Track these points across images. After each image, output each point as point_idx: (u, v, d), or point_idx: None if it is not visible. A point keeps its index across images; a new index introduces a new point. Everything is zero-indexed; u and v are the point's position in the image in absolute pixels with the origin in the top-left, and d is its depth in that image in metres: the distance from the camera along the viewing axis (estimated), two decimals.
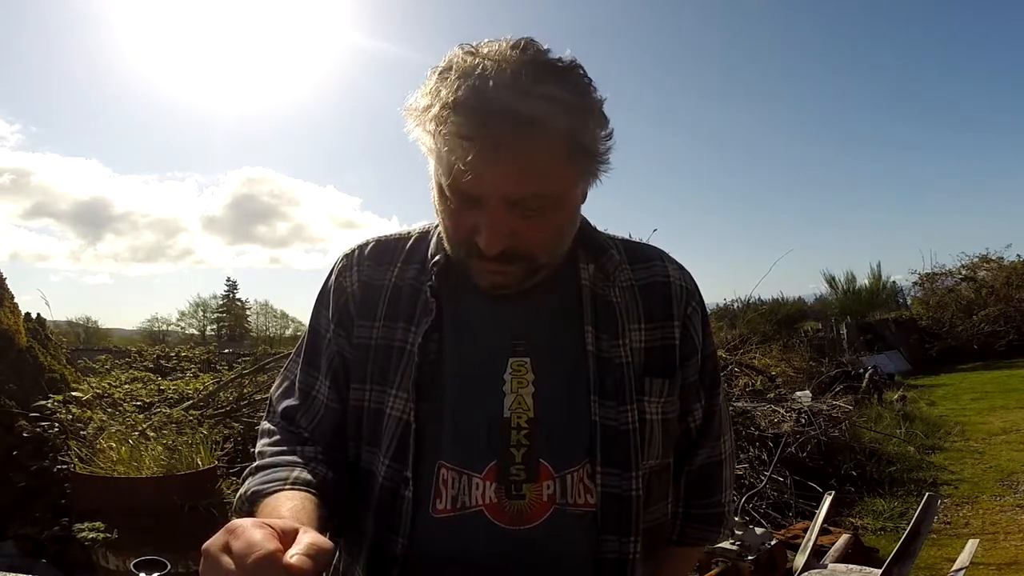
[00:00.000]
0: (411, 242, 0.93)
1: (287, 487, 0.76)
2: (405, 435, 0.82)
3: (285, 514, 0.70)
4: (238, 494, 0.81)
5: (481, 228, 0.77)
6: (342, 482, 0.85)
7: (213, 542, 0.57)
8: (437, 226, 0.92)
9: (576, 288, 0.88)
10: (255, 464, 0.84)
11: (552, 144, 0.74)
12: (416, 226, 0.97)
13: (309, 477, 0.79)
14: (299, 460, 0.83)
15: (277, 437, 0.89)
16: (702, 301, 0.96)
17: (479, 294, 0.86)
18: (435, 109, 0.73)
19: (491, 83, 0.71)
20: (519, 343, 0.85)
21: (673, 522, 0.96)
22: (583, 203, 0.85)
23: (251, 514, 0.75)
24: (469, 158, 0.71)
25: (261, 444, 0.89)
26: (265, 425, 0.94)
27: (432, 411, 0.83)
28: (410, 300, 0.88)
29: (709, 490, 0.98)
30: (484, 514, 0.81)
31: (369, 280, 0.90)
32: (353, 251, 0.94)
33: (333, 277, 0.93)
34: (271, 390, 0.97)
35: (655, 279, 0.92)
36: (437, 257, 0.88)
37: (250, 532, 0.56)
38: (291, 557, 0.55)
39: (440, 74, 0.75)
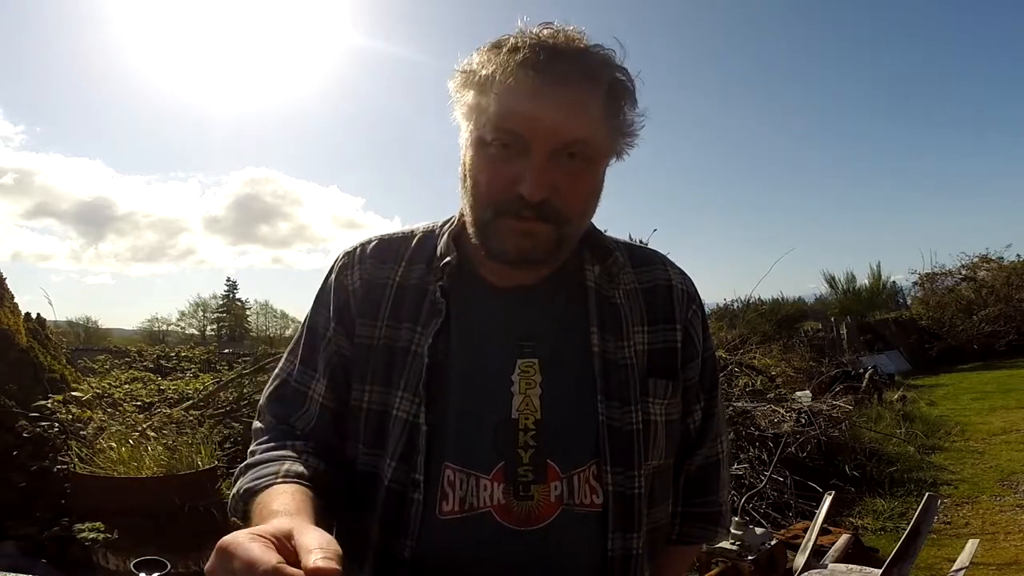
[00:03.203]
0: (416, 241, 0.92)
1: (278, 481, 0.75)
2: (413, 437, 0.82)
3: (277, 508, 0.68)
4: (231, 494, 0.80)
5: (525, 176, 0.77)
6: (337, 473, 0.84)
7: (211, 568, 0.55)
8: (444, 224, 0.92)
9: (582, 290, 0.89)
10: (245, 463, 0.83)
11: (602, 95, 0.79)
12: (419, 225, 0.96)
13: (301, 468, 0.78)
14: (289, 454, 0.81)
15: (267, 436, 0.87)
16: (702, 305, 0.97)
17: (487, 295, 0.86)
18: (500, 57, 0.77)
19: (562, 38, 0.78)
20: (527, 344, 0.85)
21: (672, 521, 0.97)
22: (602, 184, 0.87)
23: (246, 513, 0.74)
24: (535, 87, 0.75)
25: (253, 445, 0.88)
26: (256, 425, 0.92)
27: (437, 412, 0.83)
28: (415, 300, 0.87)
29: (707, 489, 0.99)
30: (492, 515, 0.81)
31: (372, 278, 0.89)
32: (355, 249, 0.93)
33: (333, 275, 0.92)
34: (263, 391, 0.96)
35: (657, 283, 0.93)
36: (448, 258, 0.87)
37: (246, 548, 0.53)
38: (314, 561, 0.52)
39: (495, 43, 0.79)
